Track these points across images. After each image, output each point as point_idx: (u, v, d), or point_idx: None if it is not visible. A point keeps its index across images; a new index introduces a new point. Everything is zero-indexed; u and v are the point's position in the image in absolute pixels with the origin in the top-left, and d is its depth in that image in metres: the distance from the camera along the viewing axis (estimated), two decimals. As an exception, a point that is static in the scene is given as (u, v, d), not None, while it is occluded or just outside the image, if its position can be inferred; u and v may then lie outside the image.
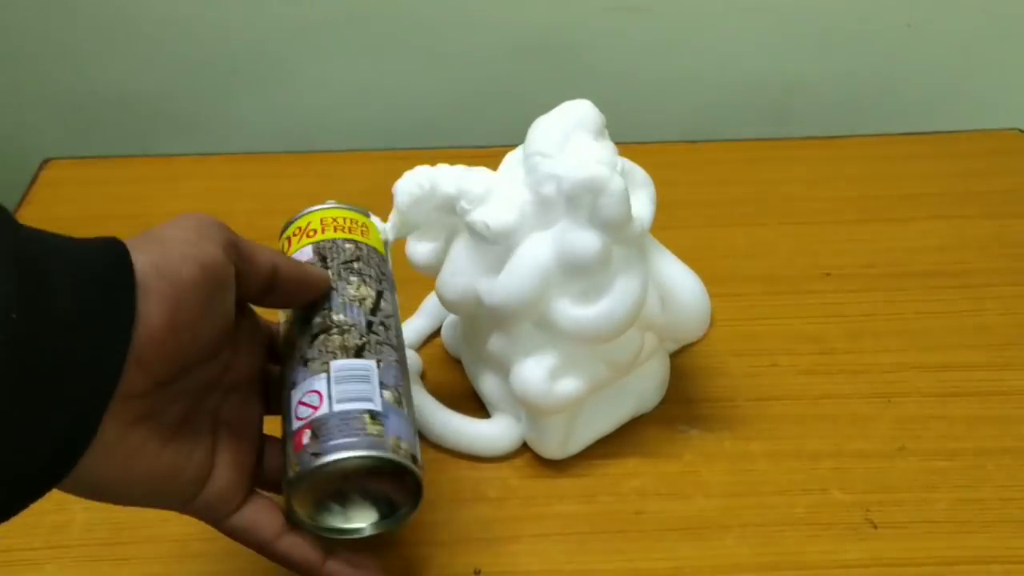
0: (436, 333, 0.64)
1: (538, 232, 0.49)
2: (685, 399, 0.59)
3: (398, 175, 0.80)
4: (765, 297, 0.67)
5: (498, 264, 0.50)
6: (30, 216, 0.76)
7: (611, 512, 0.53)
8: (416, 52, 0.93)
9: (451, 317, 0.62)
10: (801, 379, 0.61)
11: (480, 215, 0.49)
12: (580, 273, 0.48)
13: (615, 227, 0.47)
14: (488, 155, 0.83)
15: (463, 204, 0.50)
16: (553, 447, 0.55)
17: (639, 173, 0.53)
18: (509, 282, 0.49)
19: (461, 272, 0.52)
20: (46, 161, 0.82)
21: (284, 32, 0.92)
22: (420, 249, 0.54)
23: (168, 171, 0.81)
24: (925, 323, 0.64)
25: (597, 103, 0.51)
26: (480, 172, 0.51)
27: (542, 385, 0.51)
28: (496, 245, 0.49)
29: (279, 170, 0.81)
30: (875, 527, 0.52)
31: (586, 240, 0.47)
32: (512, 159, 0.53)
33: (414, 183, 0.52)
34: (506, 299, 0.49)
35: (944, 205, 0.75)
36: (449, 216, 0.52)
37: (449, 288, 0.52)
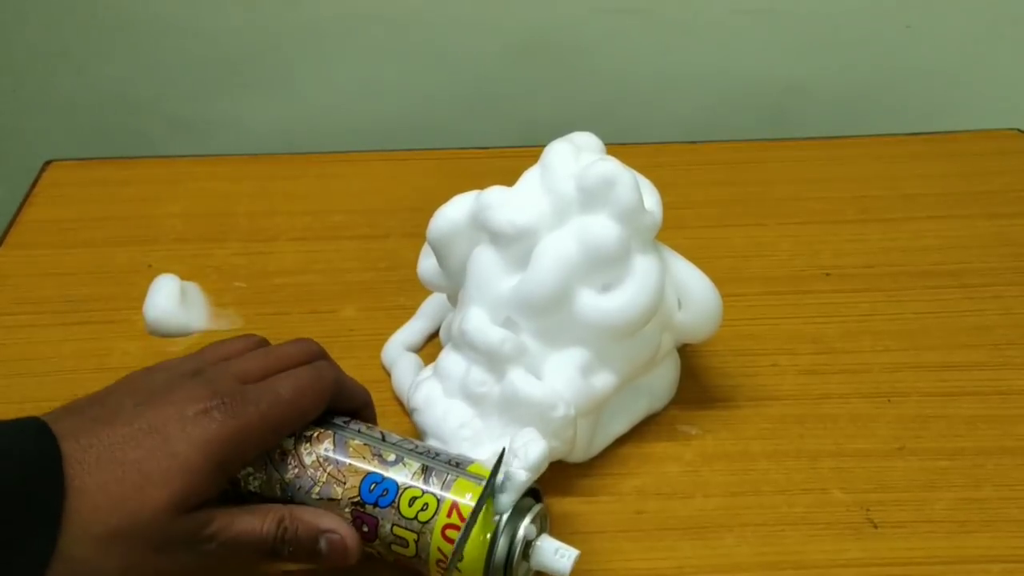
0: (435, 333, 0.64)
1: (556, 231, 0.52)
2: (685, 399, 0.59)
3: (398, 176, 0.81)
4: (765, 297, 0.67)
5: (519, 265, 0.52)
6: (33, 218, 0.76)
7: (611, 512, 0.53)
8: (416, 53, 0.93)
9: (449, 318, 0.62)
10: (801, 379, 0.61)
11: (504, 215, 0.52)
12: (602, 262, 0.51)
13: (630, 214, 0.51)
14: (488, 155, 0.83)
15: (485, 212, 0.53)
16: (580, 449, 0.55)
17: (645, 180, 0.56)
18: (536, 274, 0.51)
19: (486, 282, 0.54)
20: (48, 163, 0.82)
21: (284, 33, 0.92)
22: (427, 265, 0.58)
23: (169, 172, 0.81)
24: (925, 323, 0.64)
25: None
26: (496, 188, 0.55)
27: (578, 382, 0.52)
28: (518, 244, 0.52)
29: (279, 170, 0.81)
30: (875, 527, 0.52)
31: (606, 228, 0.51)
32: (526, 176, 0.55)
33: (444, 219, 0.55)
34: (535, 291, 0.51)
35: (944, 205, 0.75)
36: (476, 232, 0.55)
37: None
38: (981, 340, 0.63)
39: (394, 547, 0.45)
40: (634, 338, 0.53)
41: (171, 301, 0.65)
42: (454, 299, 0.58)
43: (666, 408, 0.59)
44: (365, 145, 0.85)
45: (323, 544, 0.44)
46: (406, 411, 0.58)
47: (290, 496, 0.46)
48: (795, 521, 0.52)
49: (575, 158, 0.54)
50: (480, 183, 0.55)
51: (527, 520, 0.45)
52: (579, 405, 0.52)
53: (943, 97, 0.94)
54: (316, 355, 0.49)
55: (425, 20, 0.91)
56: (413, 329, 0.64)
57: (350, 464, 0.45)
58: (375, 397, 0.51)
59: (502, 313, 0.53)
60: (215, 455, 0.41)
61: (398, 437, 0.48)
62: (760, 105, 0.94)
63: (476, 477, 0.45)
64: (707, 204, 0.75)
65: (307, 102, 0.96)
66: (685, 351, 0.61)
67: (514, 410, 0.51)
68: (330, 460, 0.46)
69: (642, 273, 0.52)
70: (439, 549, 0.44)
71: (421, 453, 0.46)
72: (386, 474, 0.45)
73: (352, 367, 0.61)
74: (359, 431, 0.47)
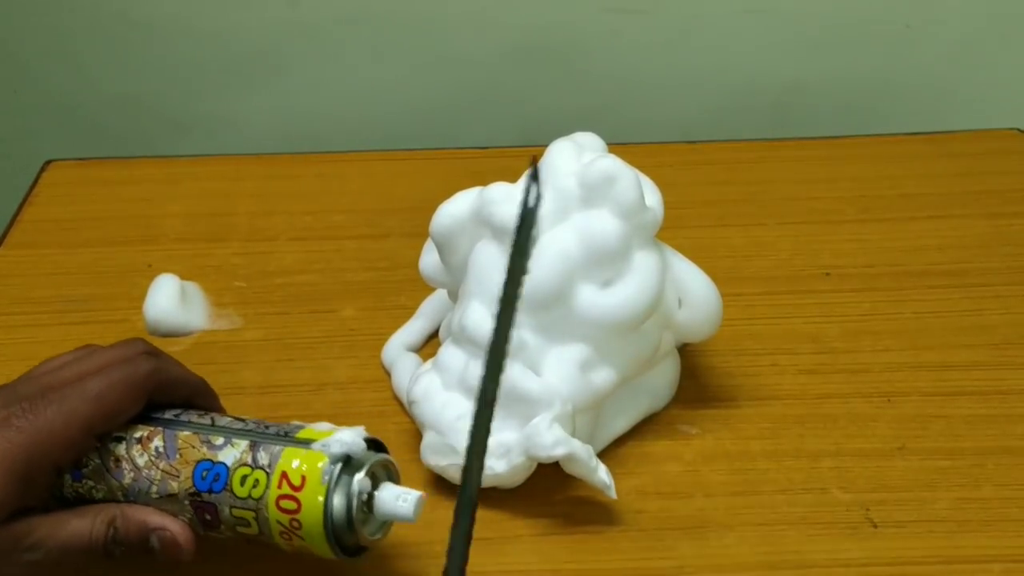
0: (435, 333, 0.64)
1: (557, 226, 0.53)
2: (685, 399, 0.59)
3: (398, 175, 0.81)
4: (765, 297, 0.67)
5: None
6: (33, 217, 0.76)
7: (612, 511, 0.53)
8: (416, 53, 0.93)
9: (449, 316, 0.62)
10: (801, 379, 0.61)
11: (508, 210, 0.52)
12: (602, 258, 0.52)
13: (632, 211, 0.52)
14: (488, 155, 0.83)
15: (488, 207, 0.53)
16: None
17: (647, 178, 0.56)
18: (536, 270, 0.51)
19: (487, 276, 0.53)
20: (48, 163, 0.82)
21: (284, 33, 0.92)
22: (428, 261, 0.58)
23: (169, 172, 0.81)
24: (924, 322, 0.64)
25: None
26: (500, 183, 0.55)
27: (577, 378, 0.52)
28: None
29: (279, 170, 0.81)
30: (875, 526, 0.52)
31: (607, 224, 0.52)
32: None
33: (446, 215, 0.55)
34: (535, 287, 0.51)
35: (944, 205, 0.75)
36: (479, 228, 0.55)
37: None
38: (981, 340, 0.63)
39: (239, 528, 0.44)
40: (634, 334, 0.53)
41: (171, 301, 0.65)
42: (455, 295, 0.58)
43: (666, 408, 0.59)
44: (365, 145, 0.86)
45: (154, 541, 0.44)
46: (406, 411, 0.58)
47: (133, 500, 0.45)
48: (795, 521, 0.52)
49: (577, 156, 0.54)
50: (480, 183, 0.55)
51: (361, 474, 0.43)
52: (578, 401, 0.52)
53: (943, 97, 0.94)
54: (138, 352, 0.47)
55: (425, 20, 0.91)
56: (413, 329, 0.64)
57: (180, 456, 0.45)
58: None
59: None
60: (18, 463, 0.40)
61: (229, 419, 0.47)
62: (760, 105, 0.94)
63: (303, 443, 0.44)
64: (707, 204, 0.75)
65: (307, 102, 0.96)
66: (685, 351, 0.61)
67: (512, 405, 0.51)
68: (162, 456, 0.45)
69: (642, 269, 0.52)
70: (278, 521, 0.43)
71: (250, 431, 0.45)
72: (216, 459, 0.44)
73: (352, 367, 0.61)
74: (189, 422, 0.46)
